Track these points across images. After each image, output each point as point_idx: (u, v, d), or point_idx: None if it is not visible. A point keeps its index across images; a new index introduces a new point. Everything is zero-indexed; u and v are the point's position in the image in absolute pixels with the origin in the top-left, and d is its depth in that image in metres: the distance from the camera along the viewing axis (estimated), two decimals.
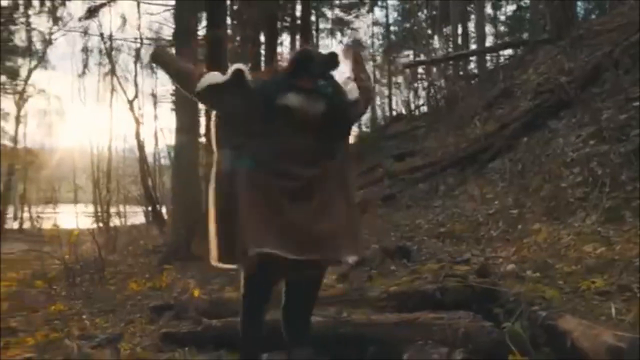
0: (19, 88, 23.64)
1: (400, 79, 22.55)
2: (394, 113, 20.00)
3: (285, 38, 19.86)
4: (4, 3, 17.95)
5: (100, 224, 18.05)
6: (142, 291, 6.99)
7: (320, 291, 2.62)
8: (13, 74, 22.48)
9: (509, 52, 14.23)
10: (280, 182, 2.10)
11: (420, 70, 15.92)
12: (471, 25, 19.49)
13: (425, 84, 15.66)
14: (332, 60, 2.25)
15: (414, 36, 19.42)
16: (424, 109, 18.95)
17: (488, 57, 15.97)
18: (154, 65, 2.58)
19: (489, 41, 18.43)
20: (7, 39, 20.50)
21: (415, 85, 18.28)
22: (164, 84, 22.87)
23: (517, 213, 6.20)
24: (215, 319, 3.90)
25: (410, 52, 22.11)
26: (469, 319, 2.80)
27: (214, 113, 2.30)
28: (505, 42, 13.61)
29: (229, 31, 16.44)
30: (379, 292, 3.66)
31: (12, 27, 20.13)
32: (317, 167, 2.17)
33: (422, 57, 17.09)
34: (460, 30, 19.18)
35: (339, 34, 23.65)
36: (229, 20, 16.75)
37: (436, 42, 19.05)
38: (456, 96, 12.12)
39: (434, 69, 15.17)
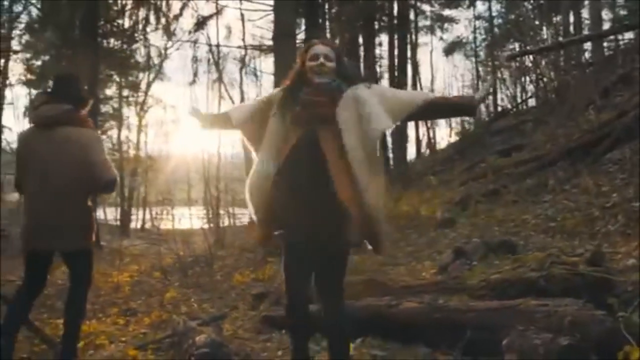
0: (140, 100, 25.92)
1: (505, 74, 21.45)
2: (499, 109, 19.05)
3: (383, 38, 19.79)
4: (126, 23, 19.80)
5: (211, 224, 19.21)
6: (246, 282, 7.33)
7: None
8: (135, 87, 24.69)
9: (629, 35, 12.95)
10: None
11: (528, 63, 15.03)
12: (585, 13, 18.05)
13: (533, 76, 14.74)
14: None
15: (520, 27, 18.37)
16: (532, 103, 17.90)
17: (605, 44, 14.69)
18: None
19: (606, 27, 16.92)
20: (129, 56, 22.59)
21: (522, 79, 17.29)
22: (267, 90, 23.81)
23: (639, 206, 5.62)
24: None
25: (516, 45, 20.96)
26: (577, 306, 2.59)
27: None
28: (625, 24, 12.38)
29: (328, 35, 16.75)
30: (477, 280, 3.51)
31: (134, 46, 22.15)
32: None
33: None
34: (572, 19, 17.83)
35: (438, 31, 23.11)
36: (327, 23, 17.09)
37: (545, 33, 17.84)
38: (568, 86, 11.26)
39: (543, 62, 14.26)
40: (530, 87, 16.77)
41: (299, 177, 2.25)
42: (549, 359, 2.09)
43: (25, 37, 19.46)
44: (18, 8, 18.04)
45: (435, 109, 2.34)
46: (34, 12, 18.74)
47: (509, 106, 17.21)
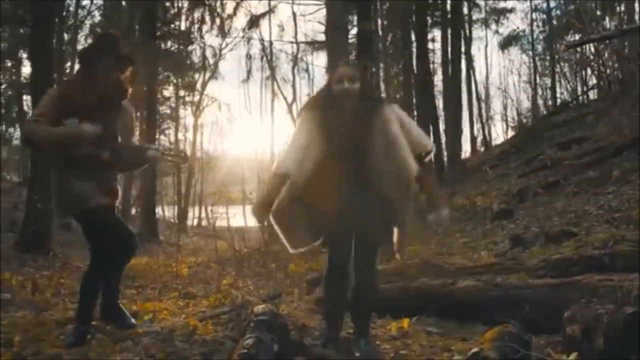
0: (196, 99, 26.72)
1: (565, 67, 20.61)
2: (558, 102, 18.32)
3: (436, 33, 19.50)
4: (182, 25, 20.52)
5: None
6: (300, 271, 7.43)
7: None
8: (191, 88, 25.46)
9: None
10: None
11: (589, 55, 14.39)
12: None
13: (595, 67, 14.09)
14: None
15: (581, 18, 17.62)
16: (593, 95, 17.14)
17: None
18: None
19: None
20: (185, 57, 23.36)
21: (583, 70, 16.57)
22: (318, 85, 24.02)
23: None
24: None
25: (576, 37, 20.12)
26: None
27: None
28: None
29: (379, 31, 16.71)
30: (537, 260, 3.43)
31: (190, 47, 22.89)
32: None
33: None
34: (637, 7, 16.93)
35: (493, 24, 22.51)
36: (379, 21, 17.04)
37: (607, 23, 17.03)
38: (633, 75, 10.69)
39: (606, 52, 13.62)
40: (592, 80, 16.10)
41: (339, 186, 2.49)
42: (615, 327, 2.03)
43: (89, 41, 20.44)
44: (82, 13, 19.06)
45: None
46: (97, 16, 19.73)
47: (569, 99, 16.55)
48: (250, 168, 32.60)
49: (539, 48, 22.69)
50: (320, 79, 25.30)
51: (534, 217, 7.06)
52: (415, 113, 19.54)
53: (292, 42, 20.50)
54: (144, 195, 17.90)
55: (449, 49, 16.56)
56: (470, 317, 3.15)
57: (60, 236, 11.09)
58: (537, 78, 21.64)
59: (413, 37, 17.92)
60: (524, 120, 16.19)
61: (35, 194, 8.54)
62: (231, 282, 6.56)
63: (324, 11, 11.84)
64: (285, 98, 22.50)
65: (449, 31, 16.90)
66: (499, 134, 26.24)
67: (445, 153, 14.11)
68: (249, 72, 23.31)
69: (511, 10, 21.49)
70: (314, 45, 18.72)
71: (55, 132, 2.70)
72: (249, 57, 22.76)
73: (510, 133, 22.48)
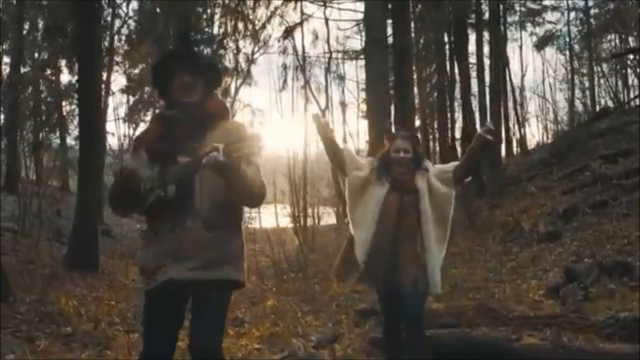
0: (229, 104, 27.04)
1: (604, 67, 20.04)
2: (598, 107, 17.82)
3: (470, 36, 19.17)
4: (215, 31, 20.74)
5: (298, 224, 19.71)
6: (344, 293, 7.46)
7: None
8: (224, 92, 25.76)
9: None
10: None
11: (630, 56, 13.94)
12: None
13: (639, 71, 13.68)
14: None
15: (621, 17, 17.09)
16: (636, 101, 16.61)
17: None
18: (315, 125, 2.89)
19: None
20: (219, 62, 23.63)
21: (625, 72, 16.07)
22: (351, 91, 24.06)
23: None
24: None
25: (616, 37, 19.52)
26: None
27: None
28: None
29: (412, 34, 16.54)
30: (604, 317, 3.37)
31: (223, 52, 23.14)
32: None
33: (632, 43, 14.99)
34: None
35: (529, 26, 22.00)
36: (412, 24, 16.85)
37: None
38: None
39: None
40: (635, 83, 15.62)
41: (387, 235, 2.97)
42: None
43: (125, 48, 20.90)
44: (118, 23, 19.48)
45: (463, 166, 3.04)
46: (132, 25, 20.11)
47: (611, 104, 16.10)
48: (281, 169, 32.91)
49: (577, 47, 22.09)
50: (354, 86, 25.76)
51: (583, 241, 6.93)
52: (450, 117, 19.48)
53: (325, 53, 20.58)
54: None
55: (486, 51, 16.34)
56: None
57: (102, 245, 11.45)
58: (575, 78, 21.14)
59: (445, 39, 17.78)
60: (563, 126, 15.81)
61: (83, 207, 8.83)
62: (275, 305, 6.64)
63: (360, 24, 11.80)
64: (318, 103, 22.62)
65: (486, 34, 16.65)
66: (534, 134, 25.76)
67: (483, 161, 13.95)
68: (284, 82, 23.53)
69: (547, 10, 20.98)
70: (347, 53, 18.71)
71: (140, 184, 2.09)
72: (284, 67, 22.92)
73: (546, 137, 22.08)
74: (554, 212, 8.27)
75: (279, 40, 18.04)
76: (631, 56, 12.99)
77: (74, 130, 19.84)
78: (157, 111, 2.43)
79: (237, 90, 25.97)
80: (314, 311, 6.49)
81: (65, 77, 20.39)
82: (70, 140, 21.05)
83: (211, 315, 2.05)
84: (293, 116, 28.19)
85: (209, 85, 2.22)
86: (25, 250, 9.17)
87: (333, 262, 10.17)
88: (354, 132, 26.21)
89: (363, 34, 14.17)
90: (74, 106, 19.75)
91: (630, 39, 16.50)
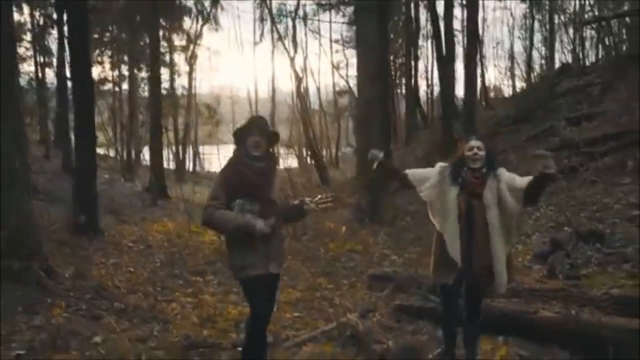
0: (191, 47, 26.40)
1: (563, 17, 20.63)
2: (558, 64, 18.72)
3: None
4: None
5: None
6: (342, 252, 8.10)
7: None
8: (188, 38, 25.13)
9: None
10: None
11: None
12: None
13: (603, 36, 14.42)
14: None
15: None
16: (591, 57, 17.56)
17: None
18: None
19: None
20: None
21: (584, 30, 16.82)
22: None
23: None
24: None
25: None
26: None
27: None
28: None
29: None
30: (600, 292, 4.18)
31: None
32: None
33: None
34: None
35: None
36: None
37: None
38: None
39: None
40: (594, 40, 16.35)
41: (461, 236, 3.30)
42: None
43: None
44: None
45: (527, 191, 3.18)
46: None
47: (570, 62, 16.98)
48: (241, 108, 32.77)
49: None
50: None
51: (558, 207, 7.80)
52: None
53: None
54: (152, 151, 18.21)
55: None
56: (549, 341, 3.91)
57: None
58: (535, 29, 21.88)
59: None
60: (523, 80, 16.56)
61: (82, 169, 9.01)
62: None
63: None
64: (287, 49, 22.65)
65: None
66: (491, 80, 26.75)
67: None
68: (261, 35, 23.96)
69: None
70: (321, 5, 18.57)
71: (227, 223, 3.14)
72: (261, 20, 23.11)
73: (510, 90, 23.00)
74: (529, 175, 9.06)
75: None
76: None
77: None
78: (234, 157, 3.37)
79: (198, 34, 25.47)
80: (323, 273, 7.11)
81: None
82: None
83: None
84: (257, 56, 28.33)
85: (269, 143, 3.40)
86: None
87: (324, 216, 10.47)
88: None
89: None
90: None
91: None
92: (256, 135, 3.28)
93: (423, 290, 5.18)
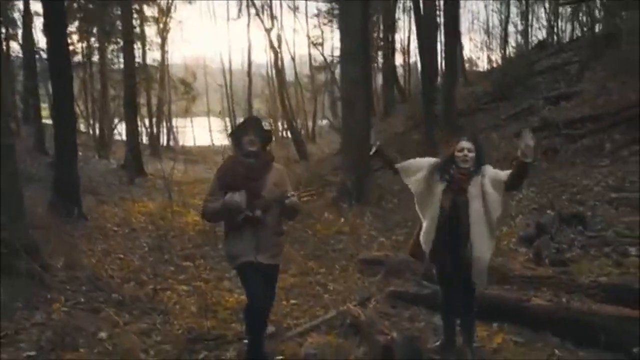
0: (162, 19, 25.65)
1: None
2: (533, 38, 18.88)
3: None
4: None
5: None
6: (330, 234, 8.17)
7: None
8: (160, 11, 24.38)
9: None
10: None
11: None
12: None
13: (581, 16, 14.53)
14: None
15: None
16: (568, 35, 17.76)
17: None
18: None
19: None
20: None
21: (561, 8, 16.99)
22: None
23: None
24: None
25: None
26: None
27: None
28: None
29: None
30: (588, 280, 4.39)
31: None
32: None
33: None
34: None
35: None
36: None
37: None
38: (619, 31, 11.39)
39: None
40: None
41: (445, 227, 3.51)
42: None
43: None
44: None
45: (511, 181, 3.34)
46: None
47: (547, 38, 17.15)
48: (216, 81, 32.18)
49: None
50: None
51: (539, 188, 8.02)
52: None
53: None
54: (128, 127, 17.84)
55: None
56: (542, 328, 4.11)
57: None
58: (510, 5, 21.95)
59: None
60: (508, 54, 16.59)
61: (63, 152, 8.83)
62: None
63: None
64: (263, 22, 22.25)
65: None
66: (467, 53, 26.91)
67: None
68: (239, 10, 23.55)
69: None
70: None
71: (217, 206, 3.47)
72: None
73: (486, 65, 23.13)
74: (509, 156, 9.24)
75: None
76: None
77: None
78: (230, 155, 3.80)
79: (170, 5, 24.75)
80: (313, 256, 7.18)
81: None
82: None
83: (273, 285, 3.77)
84: (233, 28, 27.86)
85: (263, 142, 3.65)
86: None
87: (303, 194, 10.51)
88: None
89: None
90: None
91: None
92: (251, 134, 3.58)
93: (417, 277, 5.32)
